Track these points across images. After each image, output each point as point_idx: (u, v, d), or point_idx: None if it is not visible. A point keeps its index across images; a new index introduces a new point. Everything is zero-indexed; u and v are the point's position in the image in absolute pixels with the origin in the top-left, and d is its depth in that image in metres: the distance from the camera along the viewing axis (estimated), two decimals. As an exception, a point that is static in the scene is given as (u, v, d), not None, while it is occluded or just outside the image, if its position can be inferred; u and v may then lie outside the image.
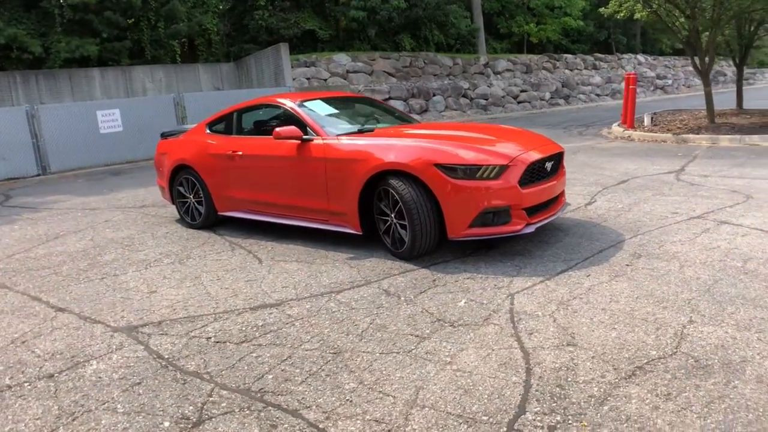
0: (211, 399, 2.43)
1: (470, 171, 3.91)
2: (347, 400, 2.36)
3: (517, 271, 3.87)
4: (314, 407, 2.32)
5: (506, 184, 3.95)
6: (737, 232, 4.45)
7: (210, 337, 3.07)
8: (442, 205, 3.95)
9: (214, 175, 5.45)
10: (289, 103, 5.05)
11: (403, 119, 5.58)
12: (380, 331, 3.03)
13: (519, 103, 22.90)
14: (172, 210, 6.94)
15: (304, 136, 4.65)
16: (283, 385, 2.52)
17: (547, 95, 23.98)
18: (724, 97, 23.64)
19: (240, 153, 5.17)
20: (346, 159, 4.36)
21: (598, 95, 26.34)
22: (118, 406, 2.42)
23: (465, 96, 21.44)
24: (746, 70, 39.92)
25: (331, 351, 2.83)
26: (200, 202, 5.69)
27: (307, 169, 4.64)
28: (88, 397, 2.51)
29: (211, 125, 5.81)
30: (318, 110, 5.05)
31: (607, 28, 32.34)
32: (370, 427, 2.17)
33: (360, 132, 4.77)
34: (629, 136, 11.71)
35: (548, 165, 4.37)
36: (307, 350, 2.85)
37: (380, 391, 2.42)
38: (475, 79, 22.84)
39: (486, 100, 21.82)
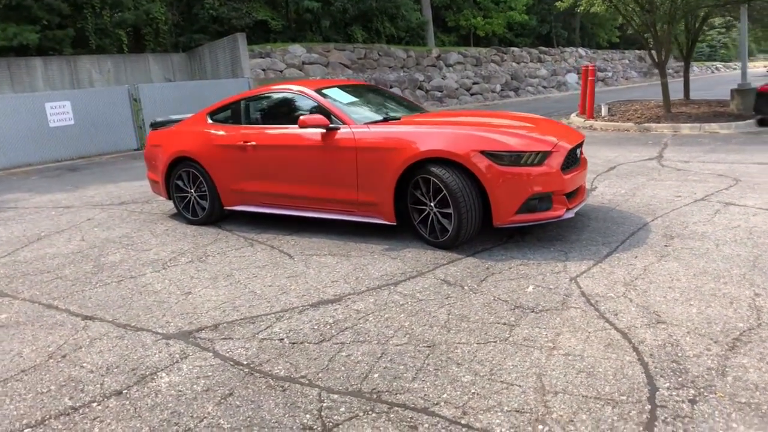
0: (325, 405, 2.25)
1: (516, 158, 3.88)
2: (473, 393, 2.26)
3: (564, 255, 3.89)
4: (442, 403, 2.20)
5: (550, 170, 3.95)
6: (747, 212, 4.68)
7: (282, 339, 2.86)
8: (489, 193, 3.89)
9: (221, 168, 5.12)
10: (308, 91, 4.82)
11: (413, 108, 5.47)
12: (463, 321, 2.94)
13: (472, 95, 23.28)
14: (159, 206, 6.51)
15: (330, 125, 4.45)
16: (395, 383, 2.38)
17: (498, 87, 24.52)
18: (659, 90, 25.07)
19: (253, 143, 4.89)
20: (381, 148, 4.21)
21: (545, 87, 27.23)
22: (222, 422, 2.19)
23: (421, 88, 21.53)
24: (674, 63, 42.44)
25: (425, 344, 2.71)
26: (203, 196, 5.34)
27: (335, 159, 4.44)
28: (180, 414, 2.26)
29: (213, 114, 5.46)
30: (339, 98, 4.85)
31: (549, 22, 33.49)
32: (514, 417, 2.08)
33: (386, 120, 4.63)
34: (591, 126, 12.14)
35: (577, 151, 4.42)
36: (398, 345, 2.71)
37: (502, 381, 2.33)
38: (428, 72, 22.98)
39: (441, 92, 22.02)
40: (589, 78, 13.15)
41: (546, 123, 4.66)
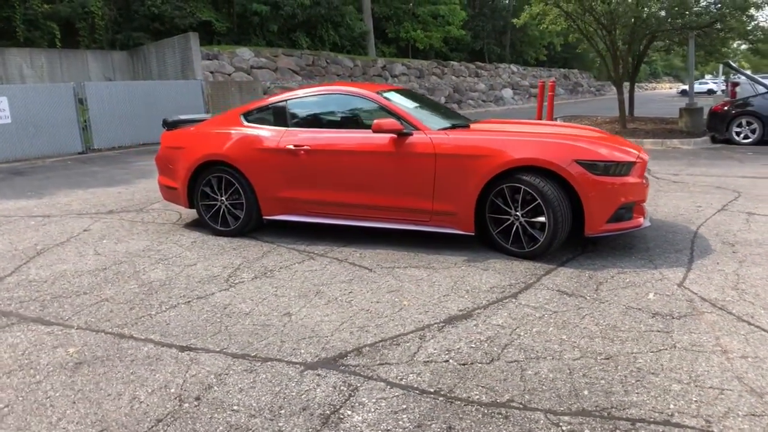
0: (565, 428, 2.06)
1: (607, 167, 3.88)
2: (696, 401, 2.20)
3: (650, 263, 3.93)
4: (677, 414, 2.10)
5: (634, 180, 4.00)
6: (776, 220, 5.01)
7: (447, 360, 2.62)
8: (583, 202, 3.86)
9: (263, 173, 4.70)
10: (371, 94, 4.56)
11: (457, 115, 5.36)
12: (617, 331, 2.86)
13: (418, 106, 23.58)
14: (161, 214, 5.90)
15: (404, 130, 4.23)
16: (612, 398, 2.24)
17: (443, 100, 25.06)
18: (594, 105, 26.87)
19: (306, 147, 4.54)
20: (465, 155, 4.05)
21: (484, 101, 28.23)
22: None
23: (371, 97, 21.49)
24: (597, 83, 45.54)
25: (602, 357, 2.59)
26: (237, 204, 4.88)
27: (408, 166, 4.22)
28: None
29: (247, 115, 5.01)
30: (402, 103, 4.64)
31: (482, 39, 34.90)
32: (755, 422, 2.03)
33: (455, 127, 4.49)
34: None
35: (639, 162, 4.52)
36: (575, 360, 2.57)
37: (710, 387, 2.30)
38: (375, 81, 23.02)
39: (390, 102, 22.10)
40: (549, 93, 13.75)
41: (607, 135, 4.74)
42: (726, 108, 10.28)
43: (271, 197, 4.75)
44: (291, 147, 4.59)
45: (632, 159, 4.00)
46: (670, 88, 54.41)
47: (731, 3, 10.95)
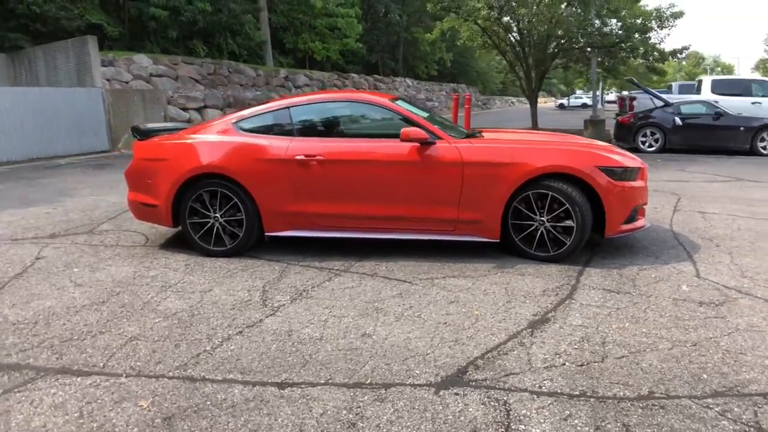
0: (719, 410, 2.17)
1: (622, 173, 4.17)
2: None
3: (660, 260, 4.28)
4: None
5: (642, 184, 4.34)
6: (728, 218, 5.67)
7: (563, 363, 2.62)
8: (605, 205, 4.09)
9: (267, 186, 4.37)
10: (387, 102, 4.46)
11: (454, 125, 5.42)
12: (681, 320, 3.09)
13: (326, 117, 23.45)
14: (116, 236, 5.25)
15: (429, 139, 4.19)
16: (730, 378, 2.47)
17: (348, 111, 25.18)
18: (496, 118, 28.54)
19: (320, 157, 4.30)
20: (493, 163, 4.11)
21: (385, 113, 28.81)
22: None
23: (280, 109, 20.95)
24: (480, 96, 48.47)
25: (689, 344, 2.78)
26: (233, 221, 4.48)
27: (435, 175, 4.18)
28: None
29: (241, 122, 4.62)
30: (414, 110, 4.58)
31: (377, 52, 35.70)
32: None
33: (472, 136, 4.55)
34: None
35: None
36: (670, 349, 2.71)
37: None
38: (278, 92, 22.52)
39: (298, 113, 21.71)
40: (467, 105, 14.45)
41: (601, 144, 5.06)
42: (632, 120, 11.55)
43: (275, 212, 4.43)
44: (301, 157, 4.33)
45: (639, 165, 4.34)
46: (545, 102, 59.79)
47: (633, 26, 12.38)
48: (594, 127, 13.09)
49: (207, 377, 2.62)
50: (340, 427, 2.19)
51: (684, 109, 11.14)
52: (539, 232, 4.21)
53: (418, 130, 4.15)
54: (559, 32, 12.88)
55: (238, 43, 23.17)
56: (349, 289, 3.75)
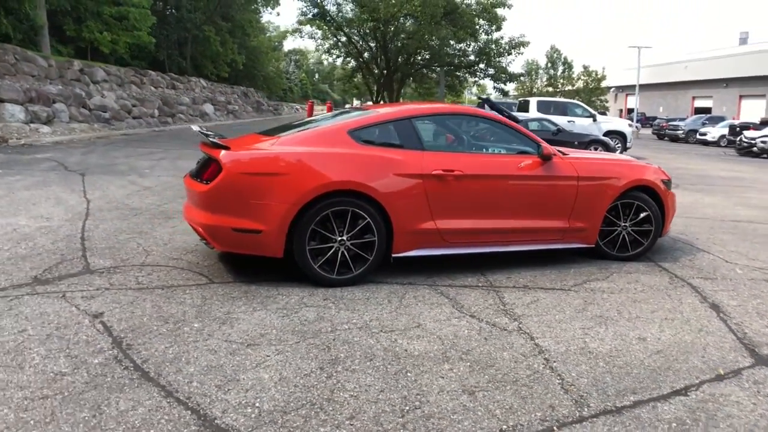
0: None
1: (669, 183, 5.20)
2: None
3: (679, 251, 5.46)
4: None
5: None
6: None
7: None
8: (666, 210, 5.05)
9: (403, 203, 4.10)
10: (496, 116, 4.69)
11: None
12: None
13: (134, 118, 20.57)
14: (169, 273, 4.18)
15: (554, 154, 4.55)
16: None
17: (156, 113, 22.50)
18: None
19: (457, 172, 4.24)
20: (600, 177, 4.68)
21: (192, 116, 26.52)
22: None
23: (84, 106, 17.62)
24: (270, 102, 47.99)
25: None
26: (361, 244, 4.07)
27: (557, 188, 4.55)
28: None
29: (357, 132, 4.20)
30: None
31: (166, 48, 32.51)
32: None
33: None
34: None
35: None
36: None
37: None
38: (74, 87, 18.97)
39: (105, 112, 18.59)
40: (327, 112, 14.70)
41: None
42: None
43: (408, 231, 4.19)
44: (439, 172, 4.21)
45: (669, 177, 5.44)
46: (323, 110, 62.46)
47: (489, 50, 14.35)
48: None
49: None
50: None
51: (531, 126, 13.42)
52: (621, 236, 4.96)
53: (550, 147, 4.48)
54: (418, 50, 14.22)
55: (13, 24, 18.61)
56: (535, 303, 3.85)
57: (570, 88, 40.14)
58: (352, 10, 13.50)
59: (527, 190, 4.50)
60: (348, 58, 15.07)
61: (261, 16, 43.88)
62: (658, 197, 4.97)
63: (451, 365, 2.85)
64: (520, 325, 3.43)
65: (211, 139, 4.05)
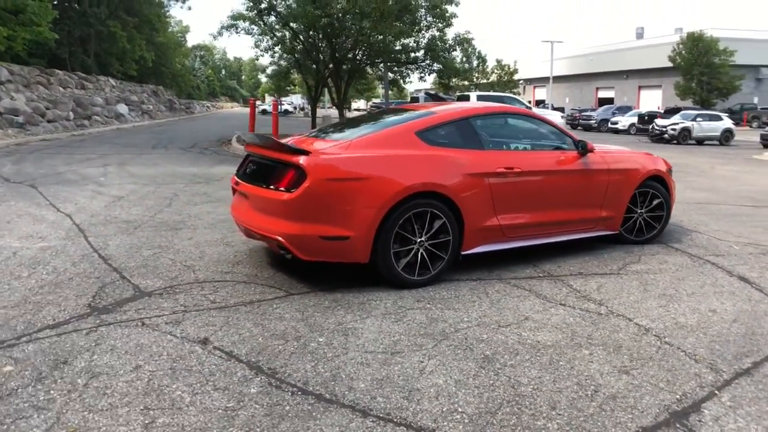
0: None
1: (670, 172, 5.84)
2: None
3: (684, 235, 6.15)
4: None
5: (672, 180, 6.11)
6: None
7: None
8: (671, 197, 5.67)
9: (474, 202, 4.30)
10: (538, 114, 5.07)
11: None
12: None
13: (49, 122, 18.80)
14: (235, 289, 4.08)
15: (588, 149, 4.96)
16: None
17: (71, 115, 20.69)
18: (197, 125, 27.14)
19: (517, 169, 4.51)
20: (624, 169, 5.19)
21: (108, 117, 24.64)
22: None
23: (-6, 111, 15.85)
24: (181, 101, 45.57)
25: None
26: (439, 243, 4.23)
27: (592, 181, 4.97)
28: None
29: (426, 133, 4.33)
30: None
31: (68, 45, 29.87)
32: None
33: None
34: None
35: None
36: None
37: None
38: (-24, 89, 17.03)
39: (17, 116, 16.83)
40: (274, 112, 14.46)
41: None
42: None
43: (477, 228, 4.40)
44: (501, 170, 4.46)
45: (671, 165, 6.06)
46: (233, 107, 60.36)
47: (435, 46, 14.76)
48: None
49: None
50: None
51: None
52: (637, 222, 5.51)
53: (590, 143, 4.90)
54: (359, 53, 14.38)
55: None
56: (614, 287, 4.23)
57: (485, 81, 42.11)
58: (300, 6, 13.33)
59: (572, 183, 4.90)
60: (286, 54, 14.85)
61: (167, 10, 41.42)
62: (666, 185, 5.58)
63: (589, 351, 3.12)
64: (610, 309, 3.78)
65: (288, 144, 4.00)
